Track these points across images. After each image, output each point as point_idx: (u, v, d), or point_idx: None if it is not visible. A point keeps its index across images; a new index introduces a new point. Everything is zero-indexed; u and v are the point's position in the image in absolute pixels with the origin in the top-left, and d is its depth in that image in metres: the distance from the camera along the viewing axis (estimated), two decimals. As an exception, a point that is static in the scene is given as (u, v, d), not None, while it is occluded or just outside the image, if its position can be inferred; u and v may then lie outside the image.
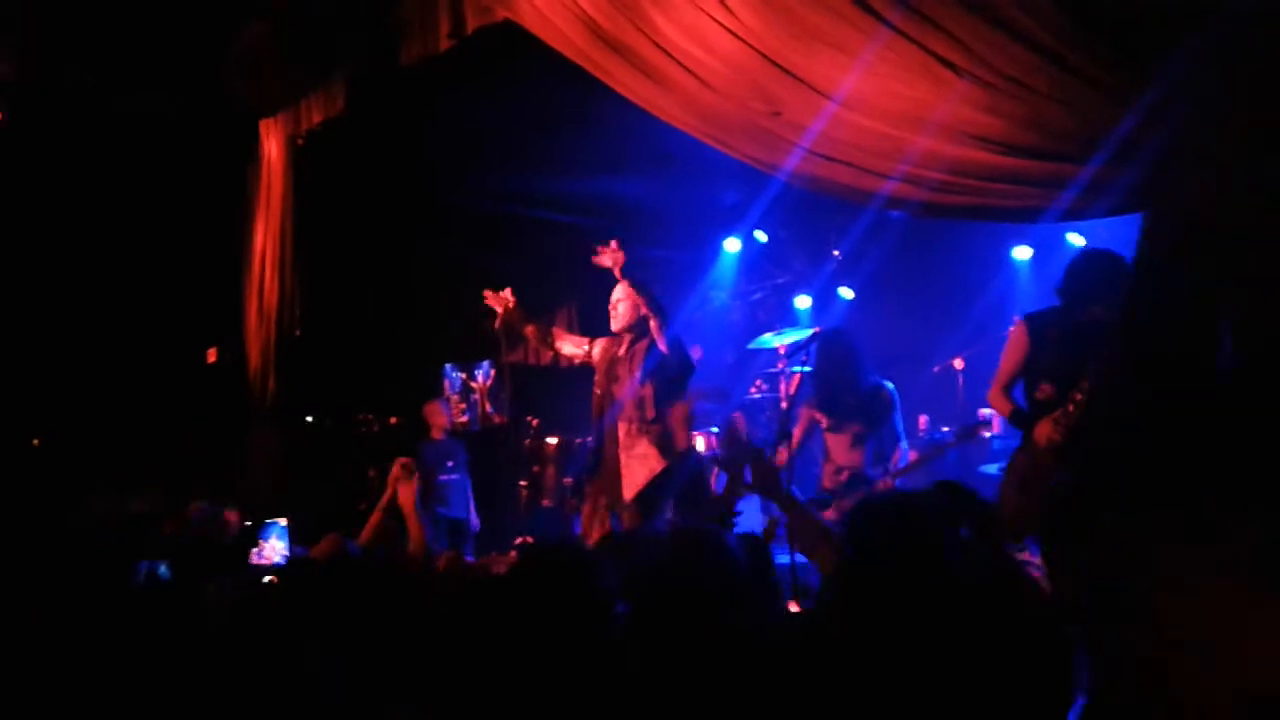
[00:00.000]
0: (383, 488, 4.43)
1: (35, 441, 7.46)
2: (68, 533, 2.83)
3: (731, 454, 3.97)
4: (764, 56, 3.88)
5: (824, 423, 5.86)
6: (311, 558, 3.38)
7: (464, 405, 9.37)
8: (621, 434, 5.50)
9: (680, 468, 5.45)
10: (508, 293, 5.76)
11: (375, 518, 4.08)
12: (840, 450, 5.81)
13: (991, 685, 1.87)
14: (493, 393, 9.43)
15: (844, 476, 5.74)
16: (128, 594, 2.56)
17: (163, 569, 2.74)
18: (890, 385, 5.88)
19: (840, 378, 5.69)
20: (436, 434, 7.74)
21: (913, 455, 5.75)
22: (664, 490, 5.37)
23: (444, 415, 7.81)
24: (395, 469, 4.31)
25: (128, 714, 2.10)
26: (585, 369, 9.34)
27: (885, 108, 3.80)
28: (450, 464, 7.64)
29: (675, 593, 2.11)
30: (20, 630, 2.34)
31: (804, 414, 5.95)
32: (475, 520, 7.82)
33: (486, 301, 5.77)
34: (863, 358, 5.75)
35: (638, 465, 5.41)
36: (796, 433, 5.98)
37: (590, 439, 5.83)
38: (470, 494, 7.81)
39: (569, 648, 2.04)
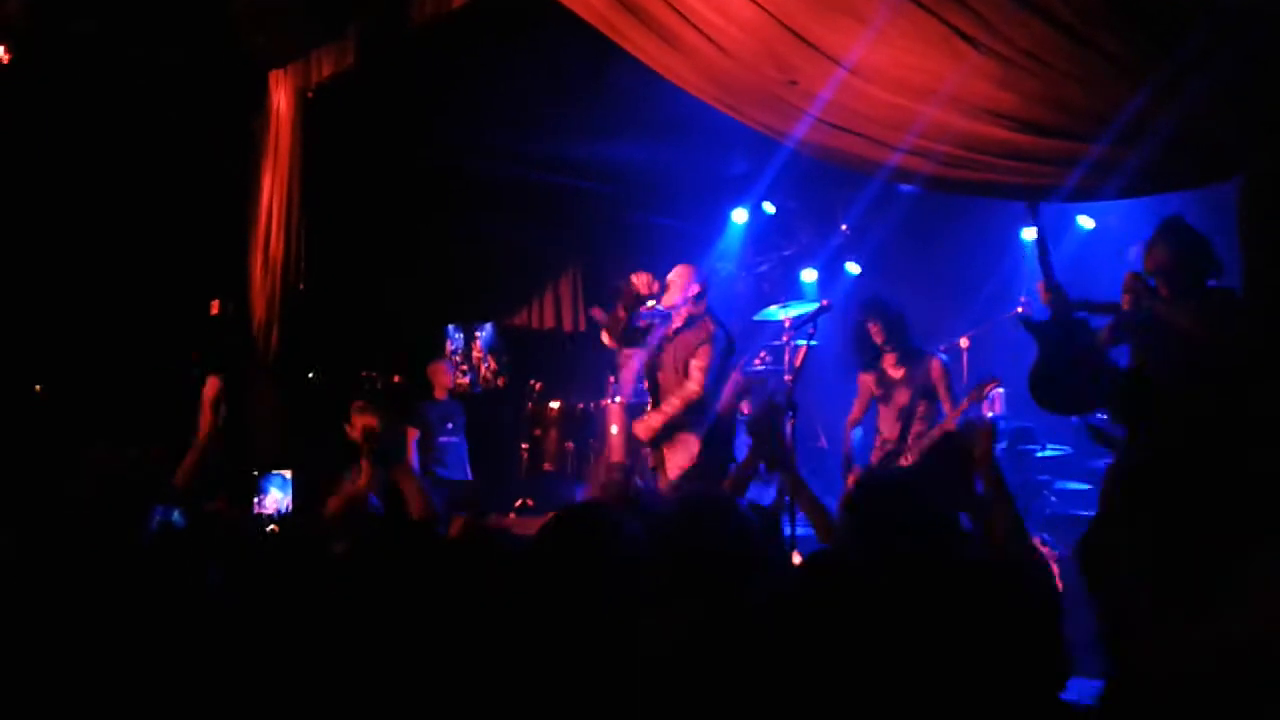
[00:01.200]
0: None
1: (38, 389, 7.48)
2: (75, 482, 2.83)
3: (760, 418, 3.94)
4: (781, 24, 3.85)
5: (876, 393, 5.86)
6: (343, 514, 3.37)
7: (465, 366, 9.39)
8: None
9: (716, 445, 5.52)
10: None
11: (367, 469, 4.00)
12: (886, 422, 5.82)
13: (976, 657, 1.88)
14: (494, 355, 9.46)
15: (887, 449, 5.74)
16: (142, 542, 2.57)
17: (176, 515, 2.75)
18: (942, 356, 5.86)
19: (890, 336, 5.73)
20: (439, 394, 7.75)
21: (936, 431, 5.67)
22: (704, 470, 5.39)
23: (448, 375, 7.82)
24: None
25: (141, 665, 2.12)
26: (584, 338, 9.39)
27: (900, 79, 3.77)
28: (450, 425, 7.66)
29: (686, 555, 2.12)
30: (32, 582, 2.35)
31: (861, 384, 5.96)
32: (471, 477, 7.85)
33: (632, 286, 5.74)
34: (910, 323, 5.80)
35: (680, 449, 5.51)
36: (857, 404, 6.04)
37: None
38: (466, 456, 7.84)
39: (602, 610, 2.06)
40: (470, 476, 7.80)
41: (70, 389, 7.30)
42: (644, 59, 4.44)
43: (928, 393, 5.72)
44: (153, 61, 6.29)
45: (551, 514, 2.35)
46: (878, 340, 5.78)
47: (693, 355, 5.55)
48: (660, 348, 5.77)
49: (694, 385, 5.48)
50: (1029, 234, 7.74)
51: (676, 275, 5.75)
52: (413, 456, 7.47)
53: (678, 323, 5.70)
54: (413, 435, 7.53)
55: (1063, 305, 4.45)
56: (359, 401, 4.38)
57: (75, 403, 7.13)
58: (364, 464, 3.87)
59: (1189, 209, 4.60)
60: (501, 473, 8.40)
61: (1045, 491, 6.66)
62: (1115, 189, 4.08)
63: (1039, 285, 4.45)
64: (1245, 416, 3.61)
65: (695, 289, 5.69)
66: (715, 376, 5.54)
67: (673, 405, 5.52)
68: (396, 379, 8.22)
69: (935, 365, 5.78)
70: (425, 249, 8.51)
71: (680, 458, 5.50)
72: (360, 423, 4.05)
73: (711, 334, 5.59)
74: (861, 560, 2.03)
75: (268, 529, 3.32)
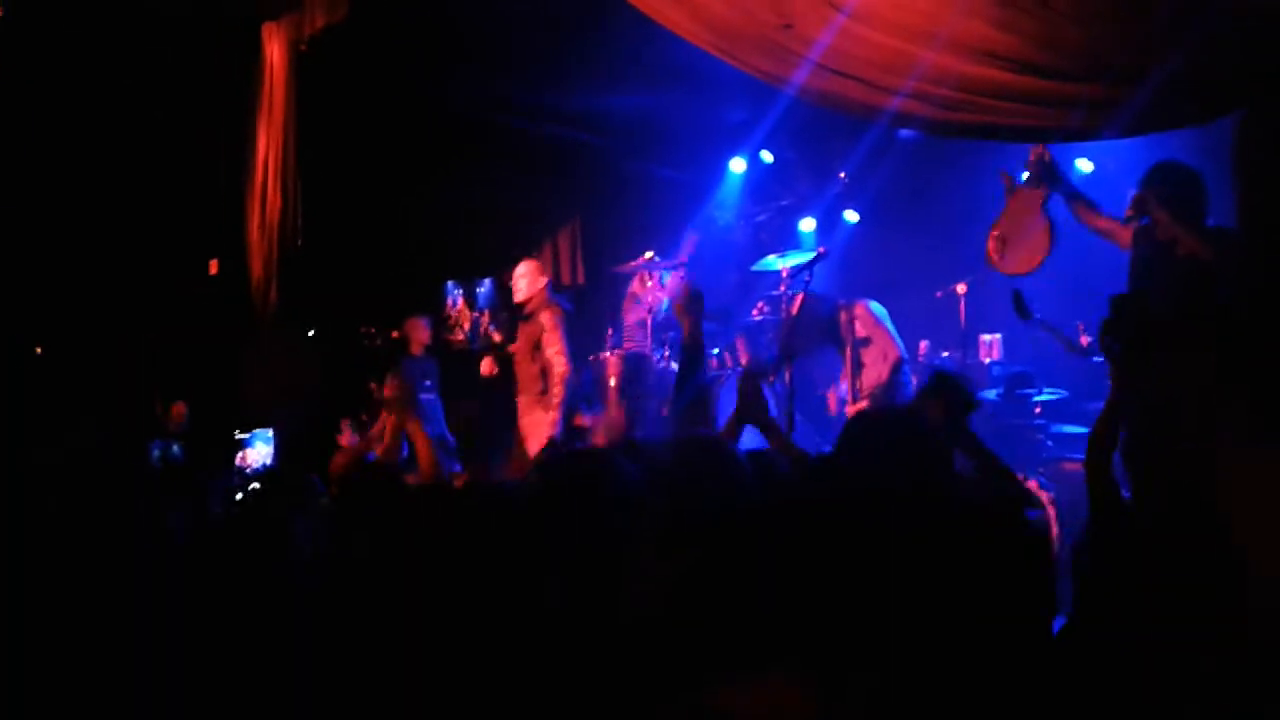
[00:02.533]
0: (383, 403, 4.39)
1: (37, 349, 7.49)
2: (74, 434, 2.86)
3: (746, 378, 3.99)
4: (776, -34, 3.82)
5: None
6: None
7: (465, 322, 9.37)
8: None
9: None
10: None
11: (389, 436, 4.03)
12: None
13: (967, 590, 1.91)
14: (493, 311, 9.45)
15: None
16: (149, 473, 2.60)
17: (176, 449, 2.79)
18: (865, 302, 6.22)
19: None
20: (416, 349, 7.79)
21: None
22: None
23: (425, 331, 7.87)
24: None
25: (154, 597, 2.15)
26: (582, 290, 9.40)
27: (897, 21, 3.75)
28: (428, 383, 7.70)
29: (682, 496, 2.14)
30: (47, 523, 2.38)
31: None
32: (450, 438, 7.89)
33: None
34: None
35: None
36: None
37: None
38: (441, 413, 7.87)
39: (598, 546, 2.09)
40: (447, 433, 7.85)
41: (68, 349, 7.32)
42: (640, 6, 4.41)
43: (861, 341, 5.93)
44: (146, 14, 6.23)
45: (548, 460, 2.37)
46: None
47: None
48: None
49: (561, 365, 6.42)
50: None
51: (528, 270, 6.76)
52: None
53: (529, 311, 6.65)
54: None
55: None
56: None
57: (73, 362, 7.15)
58: (389, 422, 3.93)
59: (1183, 153, 4.60)
60: (498, 427, 8.43)
61: (1041, 435, 6.70)
62: (1115, 129, 4.08)
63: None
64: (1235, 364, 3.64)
65: (543, 281, 6.81)
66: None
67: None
68: (395, 335, 8.22)
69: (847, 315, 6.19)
70: (422, 204, 8.47)
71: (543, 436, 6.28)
72: (394, 384, 4.10)
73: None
74: (855, 490, 2.05)
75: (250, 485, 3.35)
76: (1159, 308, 4.27)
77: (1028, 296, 5.17)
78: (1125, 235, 4.52)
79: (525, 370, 6.70)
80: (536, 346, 6.63)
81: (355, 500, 2.73)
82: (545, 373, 6.54)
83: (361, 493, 2.83)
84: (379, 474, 3.35)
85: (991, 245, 5.06)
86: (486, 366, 6.89)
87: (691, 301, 3.63)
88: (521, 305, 6.83)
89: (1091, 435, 2.76)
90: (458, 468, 7.36)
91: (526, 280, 6.80)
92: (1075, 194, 4.63)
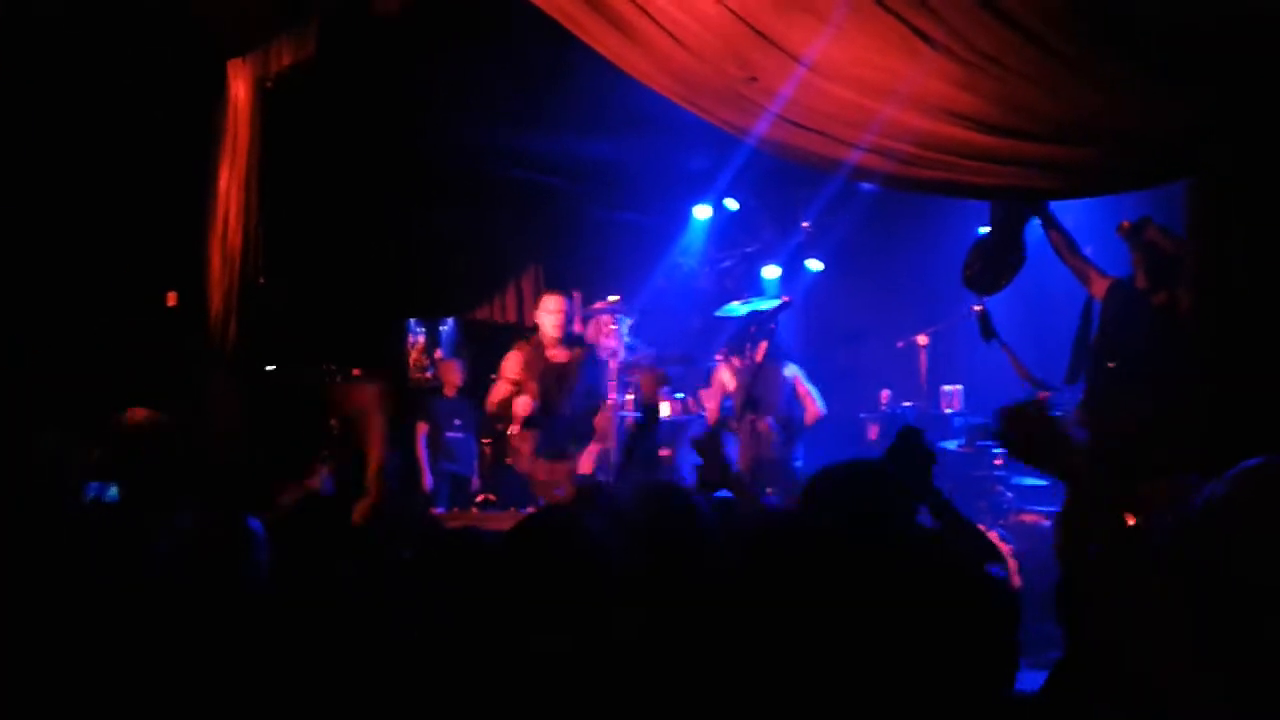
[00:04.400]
0: (345, 437, 4.35)
1: (-12, 379, 7.35)
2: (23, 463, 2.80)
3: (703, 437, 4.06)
4: (742, 19, 3.86)
5: None
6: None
7: (427, 361, 9.33)
8: None
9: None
10: None
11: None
12: None
13: (926, 648, 1.90)
14: (455, 349, 9.42)
15: None
16: (75, 518, 2.54)
17: (112, 492, 2.73)
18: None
19: None
20: (449, 391, 7.91)
21: None
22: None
23: (458, 374, 7.93)
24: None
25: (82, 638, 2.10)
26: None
27: (859, 77, 3.80)
28: (458, 422, 7.77)
29: (644, 543, 2.13)
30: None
31: None
32: (476, 479, 8.02)
33: None
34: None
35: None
36: None
37: None
38: (475, 453, 8.02)
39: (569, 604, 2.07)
40: (476, 472, 7.99)
41: (21, 379, 7.18)
42: (605, 53, 4.44)
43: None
44: (110, 49, 6.20)
45: (512, 509, 2.37)
46: None
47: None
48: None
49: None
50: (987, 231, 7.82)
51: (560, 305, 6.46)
52: (422, 450, 7.54)
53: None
54: (422, 430, 7.58)
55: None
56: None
57: (24, 394, 7.02)
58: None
59: (1142, 210, 4.69)
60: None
61: (1001, 487, 6.73)
62: (1073, 189, 4.15)
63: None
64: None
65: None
66: None
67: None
68: (356, 372, 8.17)
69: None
70: (386, 242, 8.45)
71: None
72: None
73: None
74: (815, 544, 2.04)
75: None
76: (1132, 360, 4.35)
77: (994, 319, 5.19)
78: (1100, 284, 4.60)
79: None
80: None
81: (299, 537, 2.69)
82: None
83: (302, 529, 2.79)
84: (320, 509, 3.30)
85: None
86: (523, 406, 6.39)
87: (658, 384, 3.70)
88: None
89: (1063, 509, 2.78)
90: (443, 508, 7.35)
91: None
92: (1056, 226, 4.70)
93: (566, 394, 6.24)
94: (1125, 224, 4.45)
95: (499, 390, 6.42)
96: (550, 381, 6.27)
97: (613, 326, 7.81)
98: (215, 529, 2.43)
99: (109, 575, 2.31)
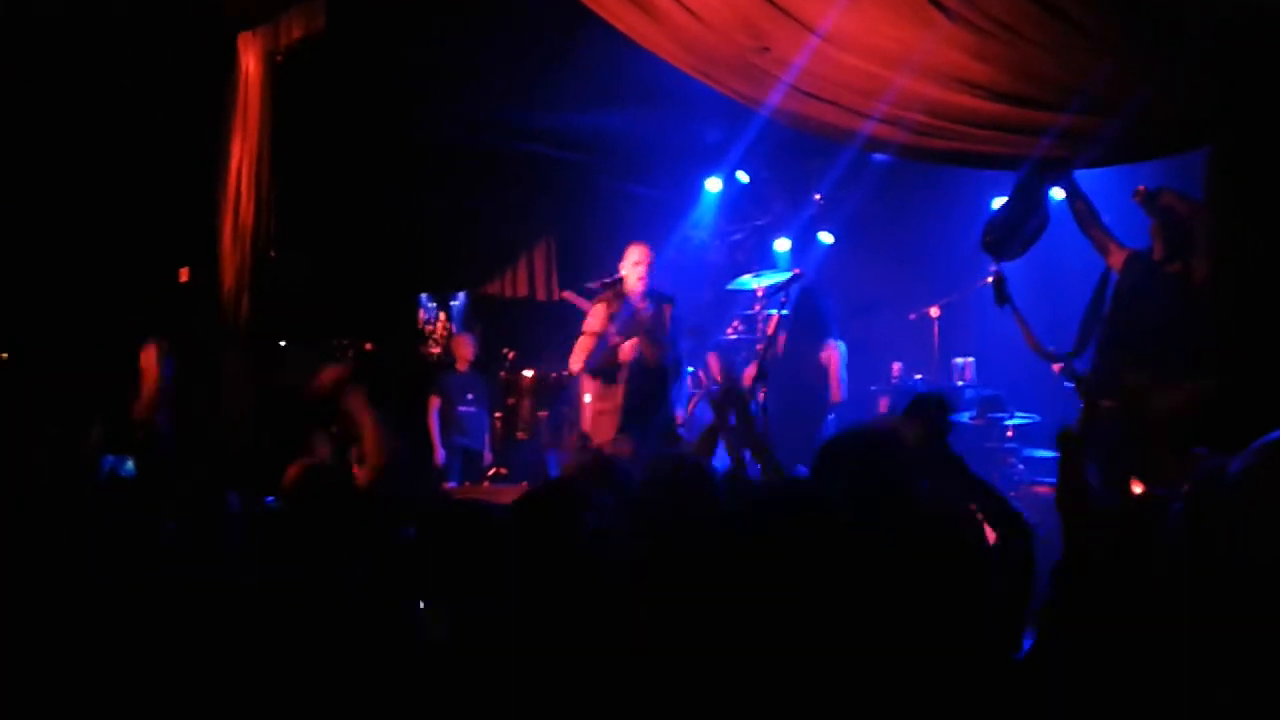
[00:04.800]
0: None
1: (4, 356, 7.39)
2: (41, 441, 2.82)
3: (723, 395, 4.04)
4: (754, -11, 3.84)
5: None
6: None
7: (438, 335, 9.37)
8: None
9: None
10: None
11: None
12: None
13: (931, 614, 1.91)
14: (467, 323, 9.44)
15: None
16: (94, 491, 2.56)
17: (129, 465, 2.74)
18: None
19: None
20: (461, 366, 7.92)
21: None
22: None
23: (470, 348, 7.93)
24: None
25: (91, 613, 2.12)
26: (557, 307, 9.39)
27: (872, 46, 3.78)
28: (470, 396, 7.81)
29: (657, 515, 2.14)
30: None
31: None
32: (489, 454, 7.96)
33: None
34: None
35: None
36: None
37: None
38: (486, 427, 7.97)
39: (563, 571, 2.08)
40: (488, 447, 7.97)
41: (36, 356, 7.22)
42: (618, 25, 4.42)
43: None
44: (122, 24, 6.19)
45: (524, 484, 2.39)
46: None
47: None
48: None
49: None
50: (999, 203, 7.80)
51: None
52: (434, 424, 7.57)
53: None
54: (434, 404, 7.61)
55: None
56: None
57: (41, 370, 7.05)
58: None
59: (1159, 180, 4.66)
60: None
61: (1013, 459, 6.74)
62: (1087, 158, 4.12)
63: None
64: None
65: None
66: None
67: None
68: (368, 347, 8.20)
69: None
70: (398, 217, 8.45)
71: None
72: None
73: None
74: (824, 508, 2.05)
75: None
76: (1145, 330, 4.34)
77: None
78: (1118, 256, 4.58)
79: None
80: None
81: (305, 510, 2.71)
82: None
83: (312, 502, 2.81)
84: (330, 482, 3.32)
85: None
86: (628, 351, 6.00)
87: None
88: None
89: (1060, 472, 2.77)
90: (454, 483, 7.39)
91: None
92: (1080, 195, 4.68)
93: (653, 348, 5.91)
94: (1141, 189, 4.42)
95: (583, 344, 6.16)
96: (635, 335, 5.98)
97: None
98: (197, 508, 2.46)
99: (126, 549, 2.32)
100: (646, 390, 5.93)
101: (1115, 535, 2.06)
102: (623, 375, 5.95)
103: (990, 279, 4.91)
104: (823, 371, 7.11)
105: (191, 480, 2.67)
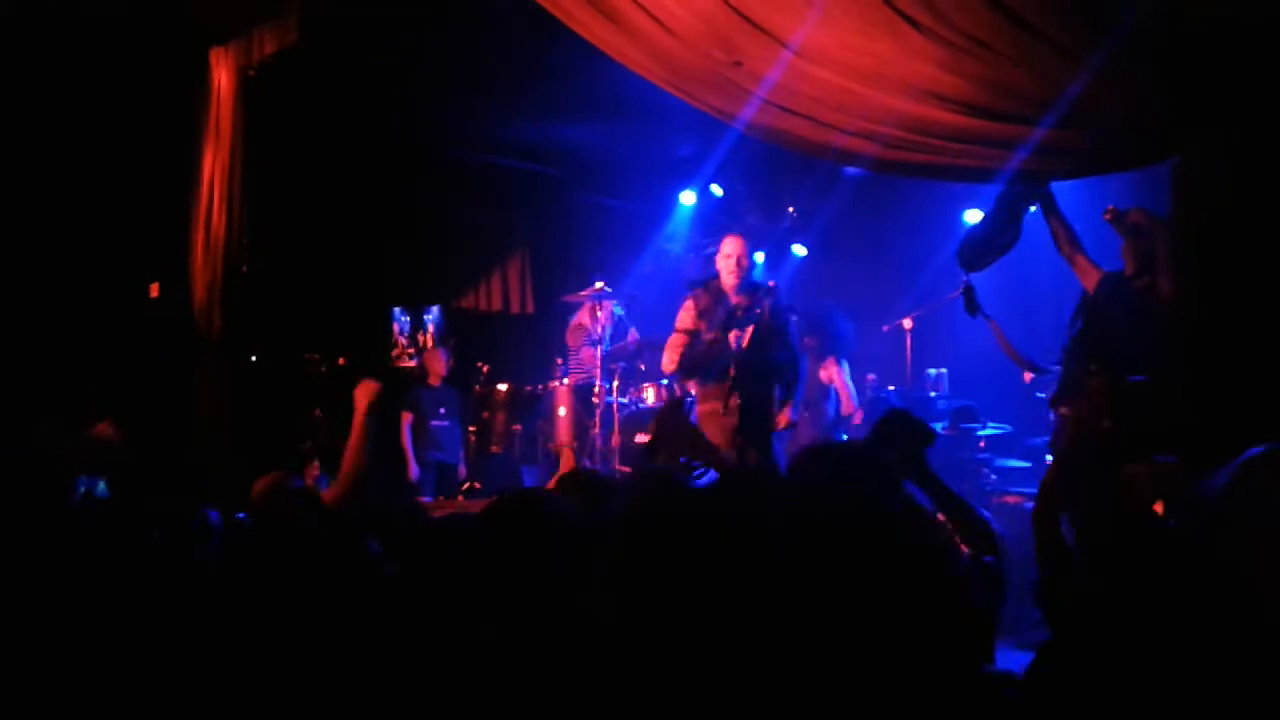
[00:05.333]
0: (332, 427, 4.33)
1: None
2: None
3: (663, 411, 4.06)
4: (727, 4, 3.85)
5: None
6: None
7: (411, 349, 9.32)
8: None
9: None
10: None
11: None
12: None
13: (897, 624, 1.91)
14: (440, 338, 9.41)
15: None
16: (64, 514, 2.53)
17: (101, 487, 2.71)
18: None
19: None
20: (433, 380, 7.86)
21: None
22: None
23: (442, 362, 7.88)
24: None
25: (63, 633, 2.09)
26: (532, 320, 9.38)
27: (845, 61, 3.80)
28: (443, 410, 7.75)
29: (639, 529, 2.13)
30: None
31: None
32: (463, 468, 7.95)
33: None
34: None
35: None
36: None
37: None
38: (460, 441, 7.94)
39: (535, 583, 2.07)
40: (463, 460, 7.94)
41: (3, 372, 7.14)
42: (591, 39, 4.43)
43: None
44: (91, 38, 6.15)
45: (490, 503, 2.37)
46: None
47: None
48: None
49: None
50: (971, 216, 7.87)
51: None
52: (407, 439, 7.52)
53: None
54: (406, 419, 7.56)
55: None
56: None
57: (9, 386, 6.97)
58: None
59: (1126, 193, 4.73)
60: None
61: (985, 469, 6.78)
62: (1059, 171, 4.17)
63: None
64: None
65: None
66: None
67: None
68: (341, 361, 8.15)
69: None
70: (370, 230, 8.42)
71: None
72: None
73: None
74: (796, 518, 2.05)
75: None
76: (1112, 342, 4.41)
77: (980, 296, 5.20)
78: (1092, 276, 4.65)
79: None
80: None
81: (274, 525, 2.69)
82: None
83: (280, 517, 2.79)
84: (300, 499, 3.31)
85: None
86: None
87: None
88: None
89: (1042, 485, 2.80)
90: (429, 497, 7.35)
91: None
92: (1058, 214, 4.73)
93: (755, 345, 5.56)
94: (1111, 209, 4.50)
95: (674, 343, 5.79)
96: (733, 329, 5.63)
97: (599, 313, 7.85)
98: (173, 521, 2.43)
99: (108, 571, 2.29)
100: (751, 388, 5.53)
101: (1111, 560, 2.08)
102: (726, 374, 5.53)
103: (960, 290, 4.97)
104: (824, 389, 7.24)
105: (168, 498, 2.64)
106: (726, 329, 5.62)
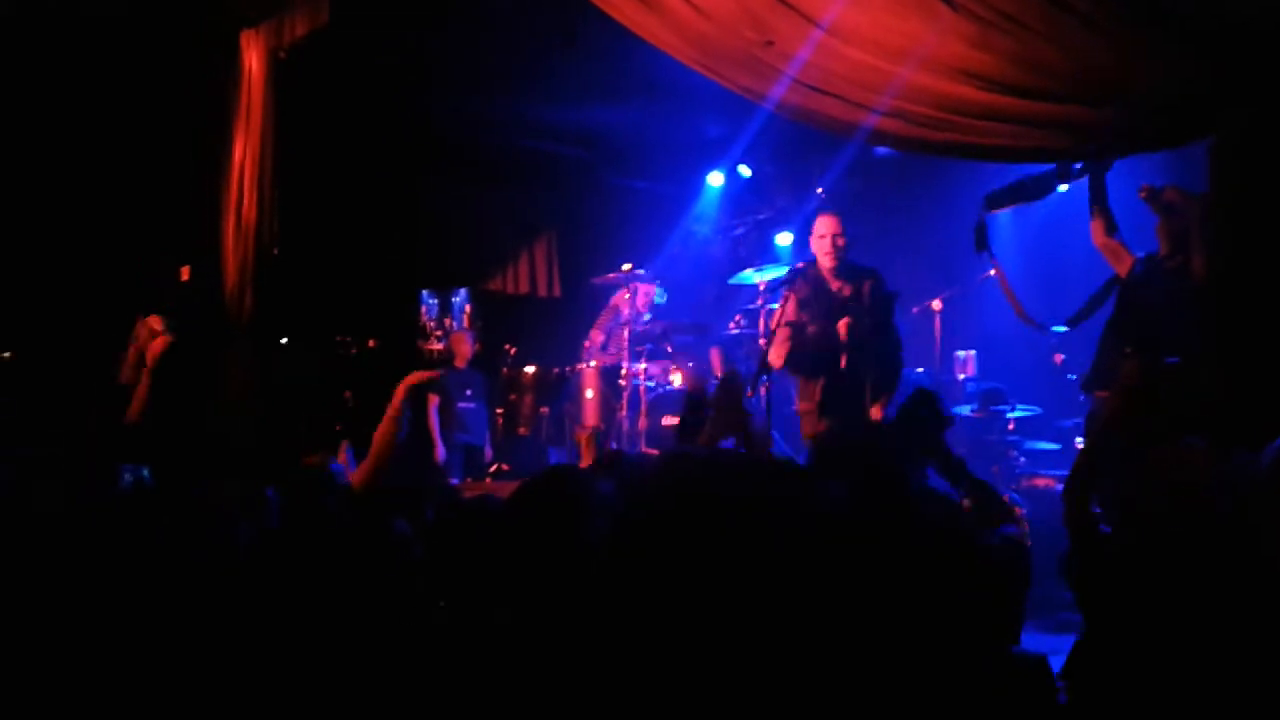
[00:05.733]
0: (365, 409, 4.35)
1: (7, 355, 7.40)
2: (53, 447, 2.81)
3: (721, 387, 4.02)
4: (758, -17, 3.85)
5: None
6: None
7: (440, 332, 9.36)
8: None
9: None
10: None
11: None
12: None
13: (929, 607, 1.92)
14: (467, 320, 9.45)
15: None
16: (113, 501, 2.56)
17: (145, 473, 2.73)
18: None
19: None
20: (460, 363, 7.89)
21: None
22: None
23: (468, 345, 7.93)
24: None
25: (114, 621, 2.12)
26: (559, 303, 9.39)
27: (876, 39, 3.79)
28: (469, 392, 7.80)
29: (666, 512, 2.14)
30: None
31: None
32: (489, 450, 7.96)
33: None
34: None
35: None
36: None
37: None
38: (487, 423, 7.98)
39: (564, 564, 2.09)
40: (488, 442, 7.96)
41: (40, 355, 7.23)
42: (622, 20, 4.43)
43: None
44: (123, 21, 6.19)
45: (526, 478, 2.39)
46: None
47: None
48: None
49: None
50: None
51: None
52: (434, 421, 7.57)
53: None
54: (433, 401, 7.59)
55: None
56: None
57: (45, 369, 7.06)
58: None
59: (1158, 177, 4.70)
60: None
61: (1014, 451, 6.75)
62: (1092, 150, 4.14)
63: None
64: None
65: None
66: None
67: None
68: (371, 344, 8.20)
69: None
70: (400, 213, 8.46)
71: None
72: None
73: None
74: (818, 501, 2.06)
75: None
76: (1145, 323, 4.38)
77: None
78: (1126, 262, 4.62)
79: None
80: None
81: (301, 505, 2.72)
82: None
83: (306, 497, 2.82)
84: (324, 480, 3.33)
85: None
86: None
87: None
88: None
89: (1073, 469, 2.81)
90: (456, 480, 7.39)
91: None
92: (1104, 199, 4.69)
93: (859, 333, 5.20)
94: (1146, 187, 4.46)
95: (779, 338, 5.39)
96: (835, 318, 5.25)
97: (627, 295, 7.86)
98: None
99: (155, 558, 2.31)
100: (853, 379, 5.18)
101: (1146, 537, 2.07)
102: (835, 366, 5.21)
103: (975, 226, 4.92)
104: None
105: (218, 483, 2.66)
106: (834, 318, 5.24)
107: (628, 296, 7.84)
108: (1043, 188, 4.66)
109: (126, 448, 3.54)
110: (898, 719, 1.76)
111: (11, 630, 2.10)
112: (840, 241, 5.42)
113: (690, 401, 4.26)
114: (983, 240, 4.89)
